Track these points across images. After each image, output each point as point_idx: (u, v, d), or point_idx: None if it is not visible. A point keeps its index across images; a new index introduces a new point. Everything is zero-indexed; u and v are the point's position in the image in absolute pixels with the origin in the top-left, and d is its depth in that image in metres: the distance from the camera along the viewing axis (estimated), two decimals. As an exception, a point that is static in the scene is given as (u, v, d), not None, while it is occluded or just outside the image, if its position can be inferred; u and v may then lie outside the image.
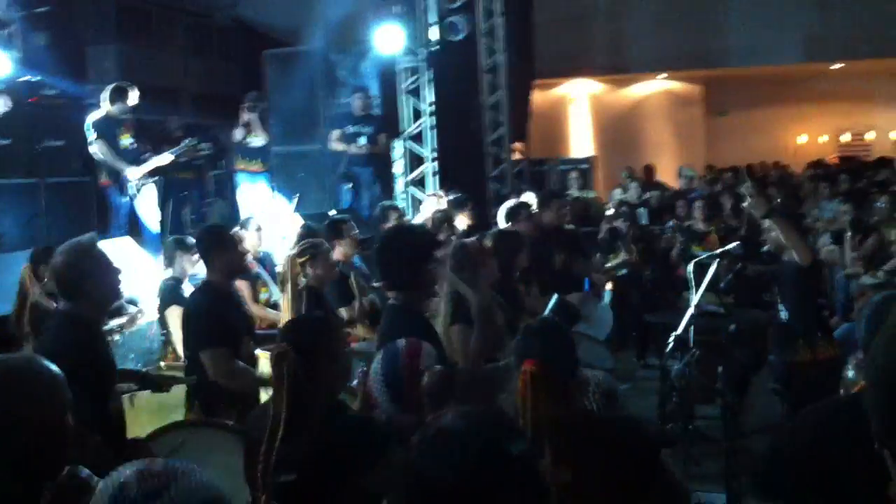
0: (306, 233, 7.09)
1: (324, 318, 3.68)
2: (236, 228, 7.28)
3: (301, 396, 2.96)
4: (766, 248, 6.30)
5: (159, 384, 4.68)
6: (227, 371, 4.65)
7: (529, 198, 8.14)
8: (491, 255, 5.32)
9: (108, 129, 9.22)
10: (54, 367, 2.17)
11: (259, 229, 7.55)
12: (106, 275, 4.01)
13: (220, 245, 4.96)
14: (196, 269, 6.33)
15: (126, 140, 9.34)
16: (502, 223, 6.80)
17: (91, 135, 9.17)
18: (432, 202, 9.48)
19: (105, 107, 9.20)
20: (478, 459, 1.85)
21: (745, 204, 5.95)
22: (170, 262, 6.51)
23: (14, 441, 2.03)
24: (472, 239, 5.68)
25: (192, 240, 6.24)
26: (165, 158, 9.59)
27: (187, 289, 6.24)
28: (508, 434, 1.93)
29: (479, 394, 3.84)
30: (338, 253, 6.83)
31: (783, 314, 5.84)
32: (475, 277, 4.66)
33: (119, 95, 9.21)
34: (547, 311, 5.20)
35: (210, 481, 2.08)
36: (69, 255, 3.97)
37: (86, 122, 9.26)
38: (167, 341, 6.37)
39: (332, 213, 9.95)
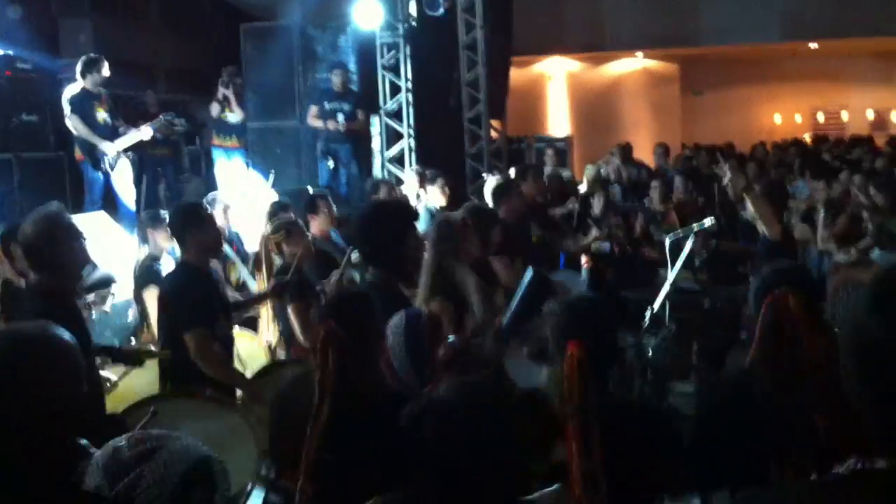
0: (277, 209, 7.05)
1: (367, 294, 3.53)
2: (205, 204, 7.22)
3: (348, 375, 2.85)
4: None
5: (133, 357, 4.67)
6: (208, 354, 4.59)
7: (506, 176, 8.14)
8: (472, 232, 5.30)
9: (83, 103, 9.16)
10: (67, 335, 2.15)
11: (226, 209, 7.41)
12: (75, 241, 4.01)
13: (196, 223, 4.84)
14: (172, 243, 6.29)
15: (102, 114, 9.26)
16: (489, 200, 6.76)
17: (67, 109, 9.11)
18: (413, 179, 9.49)
19: (80, 80, 9.11)
20: (468, 429, 1.87)
21: (724, 181, 5.99)
22: (144, 238, 6.44)
23: (32, 408, 2.02)
24: (456, 213, 5.68)
25: (165, 214, 6.20)
26: (143, 134, 9.51)
27: (166, 265, 6.18)
28: (497, 404, 1.95)
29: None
30: (314, 228, 6.82)
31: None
32: (458, 253, 4.66)
33: (91, 67, 9.15)
34: (523, 286, 5.18)
35: (197, 444, 2.15)
36: (38, 224, 3.96)
37: (62, 96, 9.19)
38: (143, 320, 6.31)
39: (310, 189, 9.92)
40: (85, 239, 4.05)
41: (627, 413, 2.92)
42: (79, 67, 9.18)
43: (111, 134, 9.34)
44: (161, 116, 10.09)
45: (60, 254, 3.92)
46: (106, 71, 9.23)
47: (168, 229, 5.76)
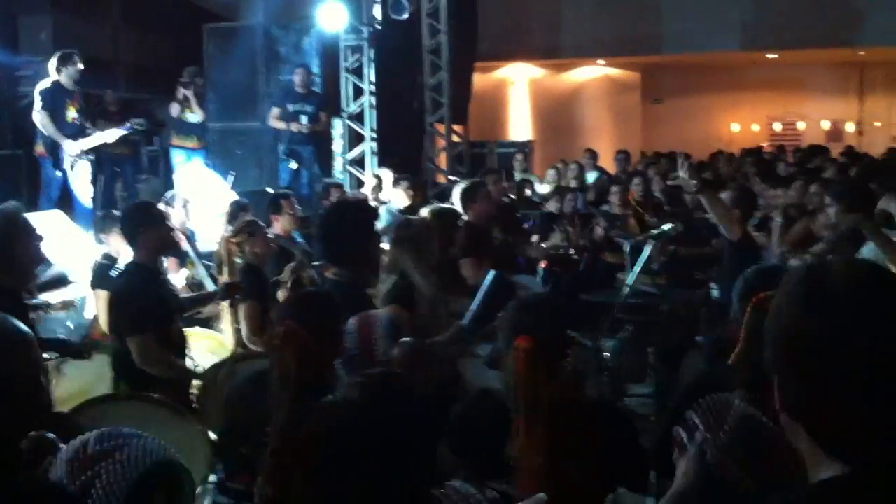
0: (237, 209, 7.02)
1: (328, 294, 3.57)
2: (161, 204, 7.17)
3: (307, 375, 2.85)
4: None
5: (80, 351, 4.63)
6: (153, 359, 4.56)
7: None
8: (434, 235, 5.32)
9: (54, 99, 9.17)
10: (24, 326, 2.14)
11: (185, 205, 7.38)
12: (31, 240, 3.99)
13: (148, 222, 4.82)
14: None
15: (72, 113, 9.23)
16: (458, 203, 6.78)
17: (38, 103, 9.11)
18: (372, 182, 9.51)
19: (53, 75, 9.14)
20: (369, 427, 1.86)
21: (680, 175, 5.99)
22: (99, 238, 6.37)
23: None
24: (418, 216, 5.69)
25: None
26: (109, 136, 9.47)
27: (122, 266, 6.11)
28: (400, 400, 1.95)
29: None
30: (277, 228, 6.81)
31: (714, 292, 5.95)
32: (420, 256, 4.66)
33: (65, 62, 9.19)
34: (484, 287, 5.21)
35: (163, 446, 2.15)
36: None
37: (35, 89, 9.26)
38: (96, 319, 6.25)
39: (270, 190, 9.89)
40: (41, 238, 4.03)
41: (581, 408, 2.96)
42: (53, 62, 9.21)
43: (78, 133, 9.29)
44: (132, 123, 10.06)
45: (15, 252, 3.90)
46: (80, 65, 9.25)
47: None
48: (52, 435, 2.28)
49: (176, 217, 7.11)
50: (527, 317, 2.85)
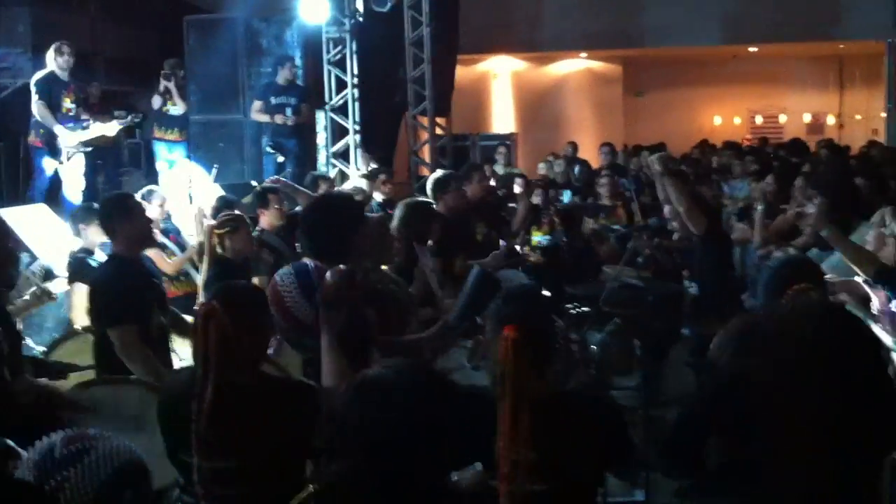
0: (222, 204, 6.99)
1: (257, 288, 3.64)
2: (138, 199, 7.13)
3: (227, 359, 2.88)
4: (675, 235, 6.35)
5: (56, 371, 4.58)
6: (133, 350, 4.52)
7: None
8: (390, 234, 5.30)
9: (50, 89, 9.29)
10: None
11: (163, 203, 7.37)
12: (4, 240, 3.99)
13: (125, 213, 4.78)
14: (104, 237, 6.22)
15: (67, 104, 9.31)
16: (430, 195, 6.75)
17: (34, 94, 9.23)
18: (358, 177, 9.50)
19: (49, 65, 9.31)
20: (402, 408, 1.88)
21: (646, 156, 6.00)
22: (77, 231, 6.33)
23: None
24: (375, 215, 5.67)
25: (93, 206, 6.13)
26: (108, 129, 9.52)
27: (99, 258, 6.06)
28: (432, 385, 1.97)
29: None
30: (263, 222, 6.79)
31: (692, 289, 5.91)
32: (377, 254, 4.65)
33: (57, 52, 9.37)
34: (469, 284, 5.19)
35: (130, 447, 2.17)
36: None
37: (31, 80, 9.38)
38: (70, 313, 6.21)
39: (254, 184, 9.84)
40: (13, 235, 4.04)
41: (568, 398, 2.97)
42: (50, 53, 9.41)
43: (74, 124, 9.34)
44: (130, 116, 10.15)
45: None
46: (70, 55, 9.42)
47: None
48: (9, 442, 2.28)
49: (152, 214, 7.07)
50: (513, 307, 2.87)
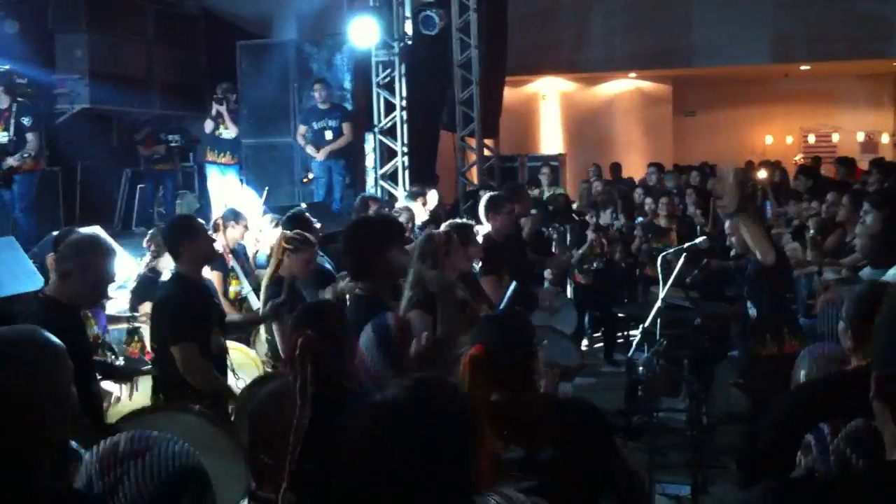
0: (295, 221, 6.95)
1: (335, 304, 3.80)
2: (218, 219, 7.25)
3: (325, 382, 2.89)
4: (732, 251, 6.28)
5: (123, 375, 4.69)
6: (196, 368, 4.63)
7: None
8: (458, 246, 5.33)
9: None
10: (56, 339, 2.19)
11: (246, 226, 7.44)
12: (106, 259, 4.15)
13: (188, 234, 4.89)
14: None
15: None
16: (482, 215, 6.80)
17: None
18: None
19: None
20: (415, 428, 1.89)
21: (717, 202, 5.89)
22: (158, 252, 6.40)
23: (23, 410, 2.05)
24: (440, 230, 5.71)
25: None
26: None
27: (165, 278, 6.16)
28: (446, 402, 1.98)
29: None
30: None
31: (752, 311, 5.78)
32: (443, 267, 4.69)
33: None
34: (505, 300, 5.24)
35: (193, 452, 2.20)
36: (76, 240, 4.28)
37: None
38: (134, 333, 6.31)
39: (303, 206, 9.95)
40: (114, 255, 4.19)
41: (546, 409, 3.00)
42: None
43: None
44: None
45: (90, 270, 4.04)
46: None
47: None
48: (74, 444, 2.33)
49: (231, 234, 7.18)
50: (486, 329, 3.03)
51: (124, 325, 6.22)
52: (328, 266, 6.90)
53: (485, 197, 7.12)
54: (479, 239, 5.91)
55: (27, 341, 2.14)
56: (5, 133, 9.14)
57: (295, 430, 2.75)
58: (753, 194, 8.31)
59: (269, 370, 5.65)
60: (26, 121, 9.13)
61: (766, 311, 5.62)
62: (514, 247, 7.04)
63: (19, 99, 9.24)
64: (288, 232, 5.95)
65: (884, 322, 1.77)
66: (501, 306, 4.61)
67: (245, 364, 5.76)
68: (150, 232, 6.56)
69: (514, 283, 5.39)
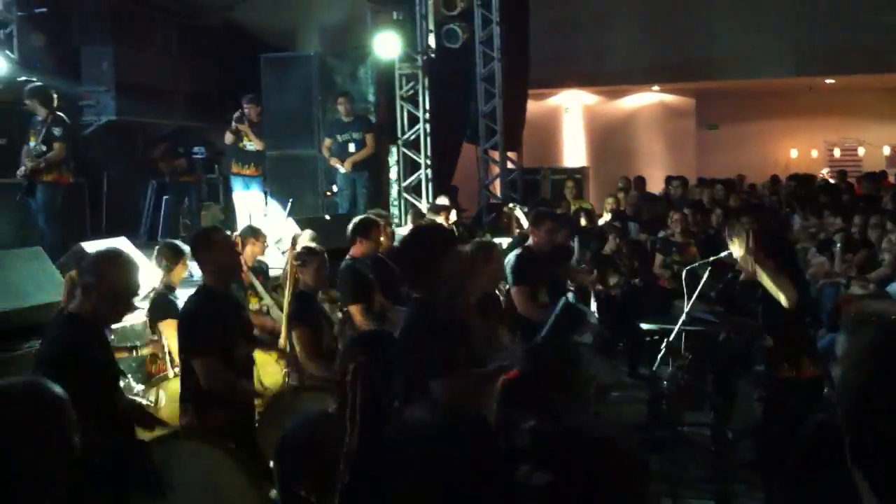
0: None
1: (389, 333, 3.80)
2: (238, 233, 7.30)
3: (374, 410, 2.80)
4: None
5: (147, 423, 4.67)
6: (217, 379, 4.64)
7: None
8: (480, 267, 5.36)
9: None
10: (58, 388, 2.20)
11: (266, 241, 7.54)
12: (134, 274, 4.17)
13: (209, 247, 4.91)
14: (185, 273, 6.40)
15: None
16: (527, 224, 6.93)
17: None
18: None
19: None
20: (442, 448, 1.89)
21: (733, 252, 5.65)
22: (168, 266, 6.45)
23: (25, 464, 2.07)
24: (466, 248, 5.72)
25: (180, 245, 6.32)
26: None
27: (182, 294, 6.17)
28: (471, 428, 1.97)
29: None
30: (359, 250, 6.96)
31: (769, 340, 5.60)
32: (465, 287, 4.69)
33: None
34: (555, 313, 5.27)
35: None
36: (100, 257, 4.23)
37: None
38: (157, 351, 6.36)
39: (328, 217, 10.00)
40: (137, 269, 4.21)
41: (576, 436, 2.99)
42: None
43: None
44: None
45: (116, 284, 4.07)
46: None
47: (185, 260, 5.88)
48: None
49: (252, 250, 7.24)
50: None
51: (125, 355, 6.25)
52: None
53: (533, 211, 7.30)
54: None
55: (25, 395, 2.16)
56: (41, 145, 9.22)
57: (345, 456, 2.68)
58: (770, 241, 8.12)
59: (293, 384, 5.68)
60: (57, 131, 9.20)
61: (783, 341, 5.42)
62: (552, 263, 7.11)
63: (56, 113, 9.30)
64: (293, 251, 6.09)
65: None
66: (550, 320, 4.69)
67: (264, 366, 5.77)
68: (156, 248, 6.59)
69: (564, 299, 5.43)
